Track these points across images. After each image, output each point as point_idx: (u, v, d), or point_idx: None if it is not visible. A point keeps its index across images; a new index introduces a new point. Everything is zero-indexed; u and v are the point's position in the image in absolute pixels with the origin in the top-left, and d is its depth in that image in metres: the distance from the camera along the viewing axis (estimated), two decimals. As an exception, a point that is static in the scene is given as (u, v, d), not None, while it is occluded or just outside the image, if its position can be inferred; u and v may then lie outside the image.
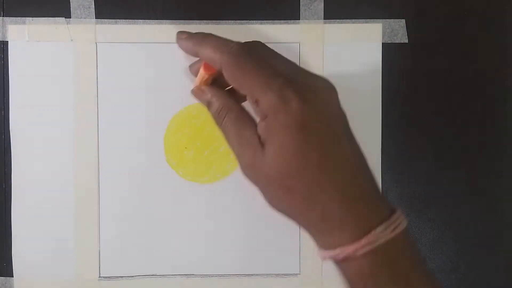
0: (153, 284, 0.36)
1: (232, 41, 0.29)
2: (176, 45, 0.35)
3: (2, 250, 0.36)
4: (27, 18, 0.36)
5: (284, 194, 0.27)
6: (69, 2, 0.36)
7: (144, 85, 0.36)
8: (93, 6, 0.36)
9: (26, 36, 0.36)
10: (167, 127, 0.36)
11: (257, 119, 0.28)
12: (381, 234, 0.26)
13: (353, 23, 0.36)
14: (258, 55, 0.28)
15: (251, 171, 0.29)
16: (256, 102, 0.27)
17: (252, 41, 0.29)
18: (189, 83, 0.36)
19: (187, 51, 0.31)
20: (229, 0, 0.36)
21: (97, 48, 0.36)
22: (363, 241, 0.25)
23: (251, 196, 0.36)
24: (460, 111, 0.37)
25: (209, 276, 0.36)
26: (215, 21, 0.36)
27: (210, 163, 0.36)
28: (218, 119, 0.30)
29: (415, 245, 0.28)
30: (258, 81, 0.27)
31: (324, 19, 0.36)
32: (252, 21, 0.36)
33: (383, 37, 0.36)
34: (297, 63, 0.36)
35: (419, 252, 0.28)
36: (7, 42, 0.36)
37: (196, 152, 0.36)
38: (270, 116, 0.26)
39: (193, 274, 0.36)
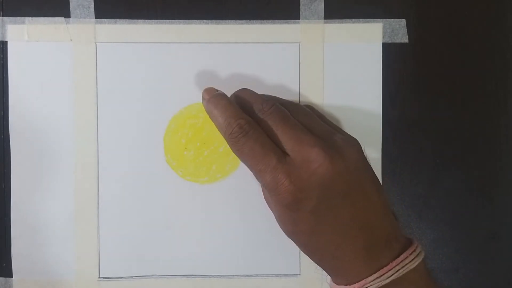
0: (153, 285, 0.36)
1: (237, 115, 0.30)
2: (175, 45, 0.35)
3: (2, 250, 0.36)
4: (27, 18, 0.36)
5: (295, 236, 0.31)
6: (69, 2, 0.36)
7: (144, 85, 0.36)
8: (92, 6, 0.36)
9: (26, 36, 0.36)
10: (167, 127, 0.36)
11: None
12: (390, 273, 0.28)
13: (354, 23, 0.36)
14: (259, 131, 0.30)
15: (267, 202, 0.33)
16: (256, 177, 0.30)
17: (270, 104, 0.31)
18: (189, 83, 0.36)
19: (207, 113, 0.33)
20: (229, 0, 0.36)
21: (96, 48, 0.36)
22: (370, 278, 0.28)
23: (251, 196, 0.36)
24: (461, 111, 0.37)
25: (209, 277, 0.36)
26: (215, 21, 0.36)
27: (210, 163, 0.36)
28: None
29: (430, 276, 0.30)
30: (253, 164, 0.29)
31: (324, 19, 0.36)
32: (252, 21, 0.36)
33: (383, 37, 0.36)
34: (297, 64, 0.36)
35: (436, 282, 0.30)
36: (6, 42, 0.36)
37: (196, 152, 0.36)
38: (268, 193, 0.30)
39: (193, 275, 0.36)
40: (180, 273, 0.36)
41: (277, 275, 0.37)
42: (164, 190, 0.36)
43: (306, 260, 0.36)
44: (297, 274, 0.37)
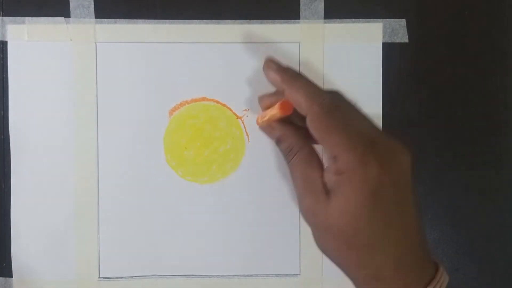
0: (152, 285, 0.36)
1: (322, 91, 0.29)
2: (175, 45, 0.35)
3: (2, 250, 0.36)
4: (27, 18, 0.36)
5: (340, 247, 0.28)
6: (69, 2, 0.36)
7: (144, 85, 0.36)
8: (92, 5, 0.36)
9: (26, 35, 0.36)
10: (167, 127, 0.36)
11: (325, 164, 0.29)
12: None
13: (354, 22, 0.36)
14: (345, 111, 0.28)
15: (310, 215, 0.29)
16: (334, 158, 0.27)
17: (339, 95, 0.29)
18: (189, 83, 0.36)
19: (274, 83, 0.31)
20: (229, 0, 0.36)
21: (96, 48, 0.36)
22: None
23: (251, 196, 0.36)
24: (461, 111, 0.37)
25: (209, 277, 0.36)
26: (215, 20, 0.36)
27: (210, 163, 0.36)
28: (288, 157, 0.30)
29: None
30: (342, 140, 0.27)
31: (324, 18, 0.36)
32: (252, 21, 0.36)
33: (383, 37, 0.36)
34: (297, 64, 0.36)
35: None
36: (6, 42, 0.36)
37: (196, 152, 0.36)
38: (346, 175, 0.27)
39: (192, 275, 0.36)
40: (180, 273, 0.36)
41: (277, 275, 0.37)
42: (164, 190, 0.36)
43: (306, 260, 0.36)
44: (297, 274, 0.37)
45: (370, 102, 0.36)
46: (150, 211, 0.36)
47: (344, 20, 0.36)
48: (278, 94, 0.32)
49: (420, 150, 0.37)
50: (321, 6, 0.36)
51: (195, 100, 0.36)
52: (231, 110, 0.36)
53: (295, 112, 0.29)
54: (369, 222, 0.27)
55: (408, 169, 0.28)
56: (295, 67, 0.36)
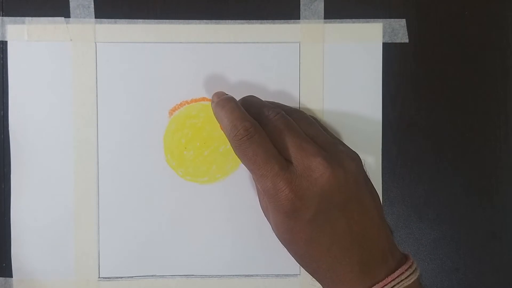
0: (152, 285, 0.36)
1: (244, 118, 0.30)
2: (175, 45, 0.35)
3: (2, 250, 0.36)
4: (26, 18, 0.36)
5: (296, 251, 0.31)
6: (69, 2, 0.36)
7: (144, 85, 0.36)
8: (92, 5, 0.36)
9: (25, 35, 0.36)
10: (167, 127, 0.36)
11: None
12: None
13: (354, 22, 0.36)
14: (264, 137, 0.30)
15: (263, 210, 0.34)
16: (255, 181, 0.30)
17: (276, 111, 0.31)
18: (189, 83, 0.36)
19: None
20: (229, 0, 0.36)
21: (96, 48, 0.36)
22: None
23: (251, 196, 0.36)
24: (461, 111, 0.37)
25: (209, 277, 0.36)
26: (215, 20, 0.36)
27: (210, 163, 0.36)
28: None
29: None
30: (254, 169, 0.29)
31: (324, 18, 0.36)
32: (252, 20, 0.36)
33: (383, 37, 0.36)
34: (297, 64, 0.36)
35: None
36: (6, 42, 0.36)
37: (196, 152, 0.36)
38: (266, 199, 0.30)
39: (192, 275, 0.36)
40: (180, 273, 0.36)
41: (277, 275, 0.37)
42: (164, 190, 0.36)
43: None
44: (297, 274, 0.37)
45: (370, 102, 0.36)
46: (150, 211, 0.36)
47: (344, 20, 0.36)
48: None
49: (420, 150, 0.37)
50: (321, 6, 0.36)
51: (195, 100, 0.36)
52: (231, 110, 0.36)
53: None
54: (292, 237, 0.30)
55: (355, 171, 0.30)
56: (295, 67, 0.36)
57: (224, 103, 0.31)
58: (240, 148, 0.29)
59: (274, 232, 0.31)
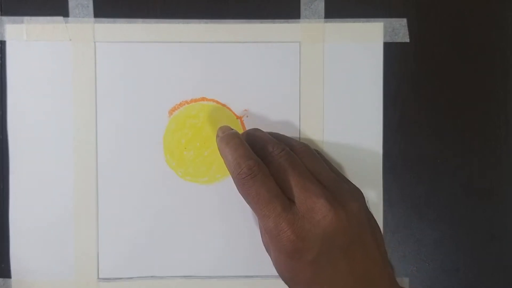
0: (152, 285, 0.36)
1: (248, 156, 0.30)
2: (175, 45, 0.35)
3: (0, 251, 0.36)
4: (25, 17, 0.35)
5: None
6: (68, 1, 0.35)
7: (143, 85, 0.36)
8: (91, 5, 0.36)
9: (24, 35, 0.35)
10: (167, 127, 0.36)
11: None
12: None
13: (354, 22, 0.36)
14: (267, 176, 0.30)
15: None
16: (258, 220, 0.30)
17: (280, 148, 0.31)
18: (189, 83, 0.36)
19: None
20: (229, 0, 0.36)
21: (95, 48, 0.36)
22: None
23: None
24: (461, 111, 0.37)
25: (208, 278, 0.36)
26: (215, 20, 0.36)
27: (209, 163, 0.36)
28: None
29: None
30: (257, 208, 0.29)
31: (324, 18, 0.36)
32: (252, 20, 0.36)
33: (384, 37, 0.36)
34: (297, 64, 0.36)
35: None
36: (5, 41, 0.36)
37: (196, 152, 0.36)
38: (268, 238, 0.30)
39: (193, 276, 0.36)
40: (179, 274, 0.36)
41: (277, 276, 0.36)
42: (164, 190, 0.36)
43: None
44: (297, 275, 0.37)
45: (370, 102, 0.36)
46: (149, 211, 0.36)
47: (345, 19, 0.36)
48: None
49: (420, 149, 0.37)
50: (321, 5, 0.36)
51: (195, 100, 0.36)
52: (230, 110, 0.36)
53: None
54: (294, 276, 0.30)
55: (357, 212, 0.30)
56: (295, 66, 0.36)
57: (228, 139, 0.31)
58: (243, 187, 0.29)
59: (275, 268, 0.31)
